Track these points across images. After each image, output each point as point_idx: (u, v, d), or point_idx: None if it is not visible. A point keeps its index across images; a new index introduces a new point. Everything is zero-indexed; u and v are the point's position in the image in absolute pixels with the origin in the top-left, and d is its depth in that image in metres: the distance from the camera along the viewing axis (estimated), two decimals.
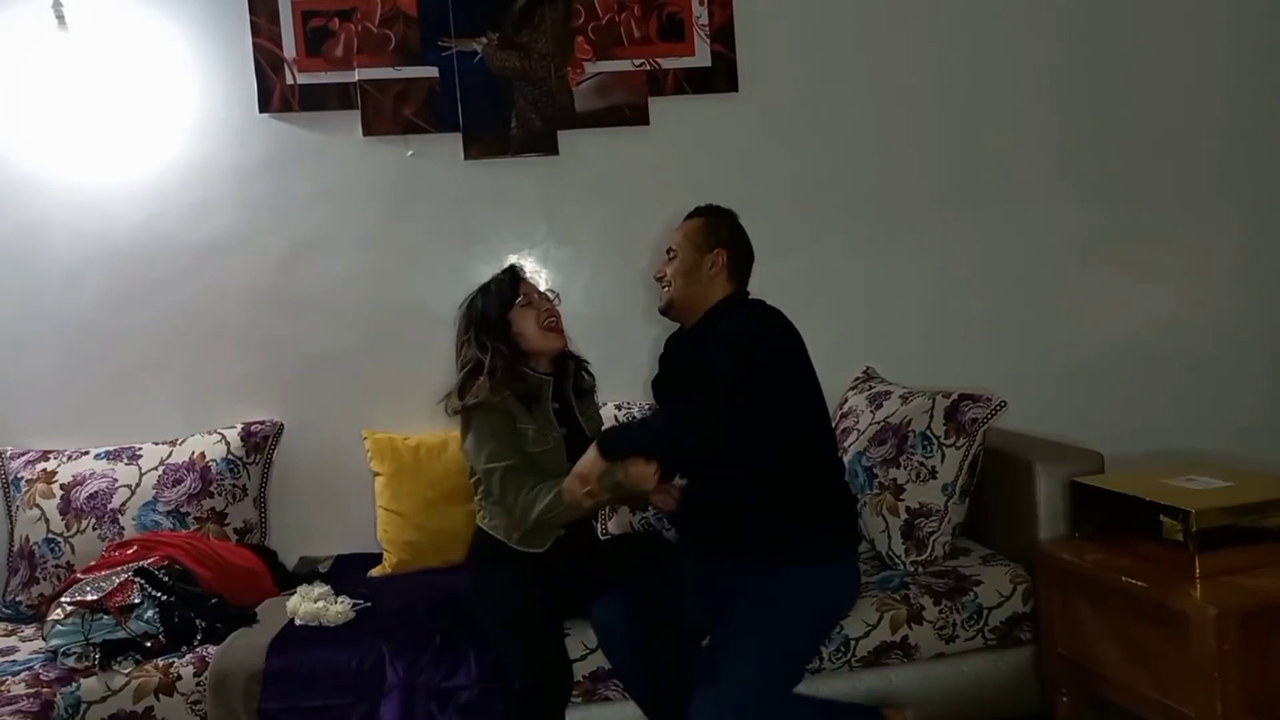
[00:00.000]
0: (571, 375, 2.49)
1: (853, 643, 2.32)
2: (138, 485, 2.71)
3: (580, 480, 2.16)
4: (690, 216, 2.40)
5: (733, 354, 2.11)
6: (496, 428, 2.29)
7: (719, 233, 2.33)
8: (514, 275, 2.45)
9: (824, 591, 2.21)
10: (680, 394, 2.30)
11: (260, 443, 2.86)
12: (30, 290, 2.90)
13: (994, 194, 3.20)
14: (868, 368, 3.09)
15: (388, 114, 2.95)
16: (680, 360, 2.38)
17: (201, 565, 2.44)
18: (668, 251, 2.36)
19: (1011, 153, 3.20)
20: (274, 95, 2.92)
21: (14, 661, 2.27)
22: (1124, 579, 2.11)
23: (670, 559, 2.34)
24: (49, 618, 2.28)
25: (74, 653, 2.20)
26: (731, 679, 2.02)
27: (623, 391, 2.90)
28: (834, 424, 2.90)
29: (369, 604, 2.42)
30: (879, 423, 2.71)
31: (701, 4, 3.03)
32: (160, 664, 2.21)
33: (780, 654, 2.11)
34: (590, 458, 2.16)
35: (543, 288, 2.51)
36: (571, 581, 2.29)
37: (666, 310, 2.36)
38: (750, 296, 2.34)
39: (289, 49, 2.92)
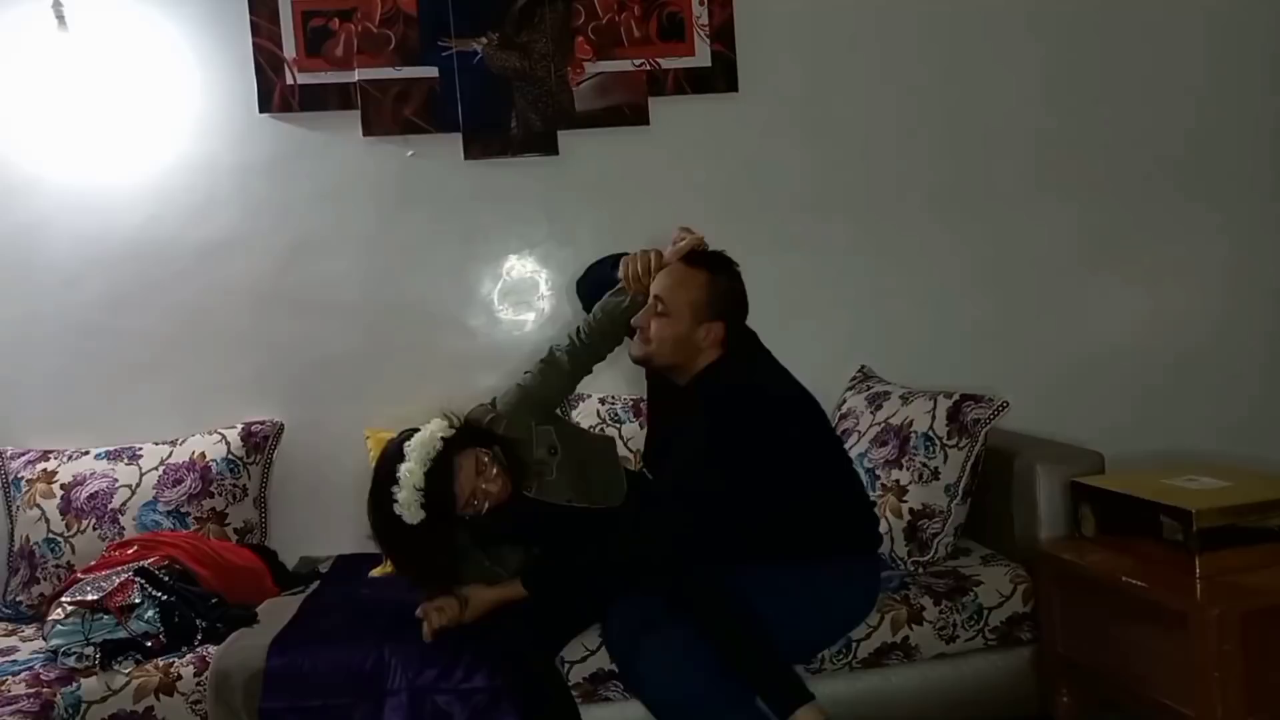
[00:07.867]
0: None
1: (854, 644, 2.32)
2: (138, 485, 2.71)
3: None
4: (690, 261, 2.18)
5: (715, 466, 2.07)
6: None
7: (721, 303, 2.16)
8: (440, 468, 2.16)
9: (833, 589, 2.21)
10: (668, 440, 2.26)
11: (261, 443, 2.86)
12: (31, 291, 2.90)
13: (994, 194, 3.19)
14: (863, 366, 3.09)
15: (388, 114, 2.95)
16: (670, 405, 2.30)
17: (202, 565, 2.44)
18: (655, 299, 2.16)
19: (1011, 153, 3.19)
20: (274, 95, 2.92)
21: (14, 661, 2.27)
22: (1124, 579, 2.11)
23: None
24: (49, 618, 2.28)
25: (74, 653, 2.20)
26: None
27: (610, 387, 2.90)
28: (833, 425, 2.87)
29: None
30: (880, 424, 2.71)
31: (701, 4, 3.03)
32: (160, 664, 2.21)
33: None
34: (510, 592, 2.16)
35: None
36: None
37: (642, 363, 2.24)
38: (740, 348, 2.22)
39: (289, 49, 2.91)
